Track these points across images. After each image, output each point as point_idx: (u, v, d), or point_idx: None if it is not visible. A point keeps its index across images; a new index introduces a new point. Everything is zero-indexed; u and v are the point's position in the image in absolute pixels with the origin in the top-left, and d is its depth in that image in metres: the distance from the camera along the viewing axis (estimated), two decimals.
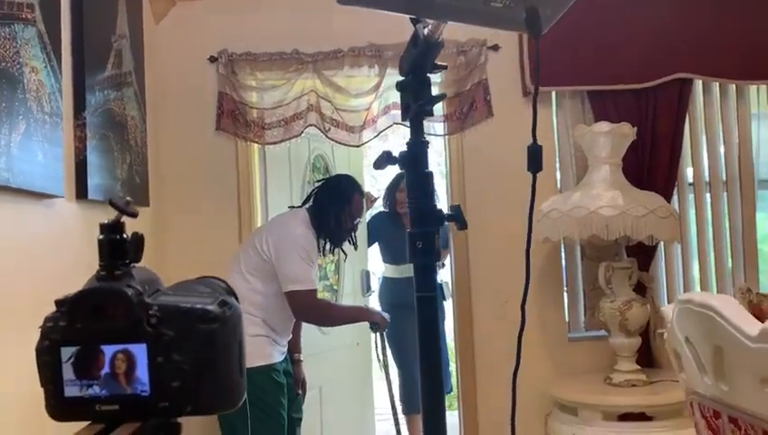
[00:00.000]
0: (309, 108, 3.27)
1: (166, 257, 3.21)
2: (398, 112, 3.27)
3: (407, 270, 4.07)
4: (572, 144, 3.30)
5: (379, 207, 4.47)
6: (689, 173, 3.36)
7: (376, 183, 6.69)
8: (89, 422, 0.56)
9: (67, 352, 0.57)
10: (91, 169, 2.29)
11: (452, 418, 4.33)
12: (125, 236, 0.64)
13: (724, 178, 3.36)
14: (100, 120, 2.41)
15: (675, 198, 3.30)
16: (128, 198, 0.66)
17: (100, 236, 0.63)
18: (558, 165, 3.36)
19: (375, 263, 4.42)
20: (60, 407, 0.56)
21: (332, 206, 2.83)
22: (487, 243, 3.32)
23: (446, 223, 0.88)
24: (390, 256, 4.19)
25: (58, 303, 0.60)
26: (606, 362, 3.17)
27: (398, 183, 4.09)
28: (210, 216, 3.26)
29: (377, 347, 2.95)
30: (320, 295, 3.42)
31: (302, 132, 3.29)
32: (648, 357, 3.15)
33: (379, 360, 2.95)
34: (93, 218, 2.43)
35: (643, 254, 3.15)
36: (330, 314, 2.90)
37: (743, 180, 3.34)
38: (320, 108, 3.27)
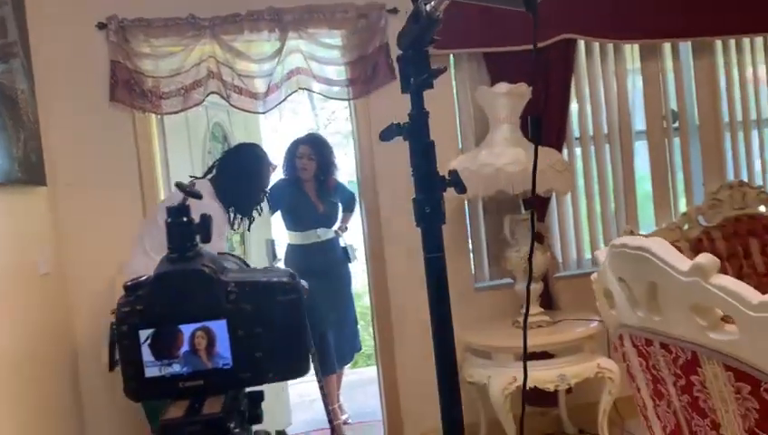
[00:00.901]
0: (209, 75, 3.18)
1: (66, 238, 3.04)
2: (303, 78, 3.29)
3: (311, 236, 4.11)
4: (472, 105, 3.44)
5: (279, 174, 4.43)
6: (576, 128, 3.62)
7: (272, 150, 6.58)
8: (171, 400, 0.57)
9: (145, 335, 0.57)
10: None
11: (369, 373, 4.47)
12: (192, 218, 0.64)
13: (606, 132, 3.65)
14: None
15: (564, 151, 3.55)
16: (192, 181, 0.66)
17: (168, 220, 0.62)
18: (459, 126, 3.50)
19: (278, 230, 4.40)
20: (141, 388, 0.57)
21: (240, 176, 2.79)
22: (397, 202, 3.41)
23: (449, 187, 0.93)
24: (294, 223, 4.17)
25: (129, 287, 0.60)
26: (511, 308, 3.40)
27: (296, 149, 4.06)
28: (111, 191, 3.11)
29: None
30: None
31: (203, 100, 3.20)
32: (547, 300, 3.42)
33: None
34: None
35: (539, 205, 3.38)
36: None
37: (622, 132, 3.65)
38: (221, 74, 3.19)
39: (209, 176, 2.84)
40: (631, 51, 3.71)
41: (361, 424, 4.28)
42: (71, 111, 3.03)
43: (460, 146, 3.50)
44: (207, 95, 3.19)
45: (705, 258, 1.16)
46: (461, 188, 0.93)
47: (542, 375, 2.91)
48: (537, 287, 3.16)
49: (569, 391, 3.39)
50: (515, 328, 3.15)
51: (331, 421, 3.78)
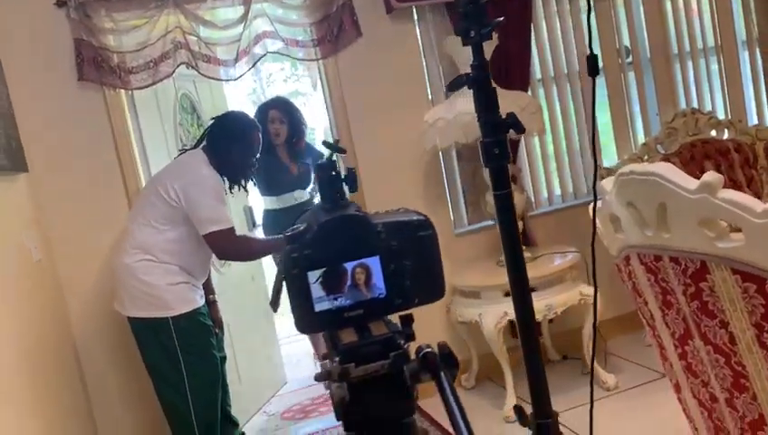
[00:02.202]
0: (176, 46, 3.15)
1: (50, 221, 3.01)
2: (270, 41, 3.29)
3: (289, 199, 4.16)
4: (437, 56, 3.52)
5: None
6: (537, 70, 3.75)
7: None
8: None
9: (314, 275, 0.66)
10: None
11: None
12: (340, 171, 0.72)
13: (566, 72, 3.79)
14: None
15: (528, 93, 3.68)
16: (337, 138, 0.73)
17: (319, 174, 0.70)
18: (427, 78, 3.57)
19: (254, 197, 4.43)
20: (311, 321, 0.66)
21: (231, 144, 2.81)
22: (373, 156, 3.49)
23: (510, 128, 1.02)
24: (269, 188, 4.20)
25: (292, 237, 0.67)
26: (491, 249, 3.56)
27: (266, 114, 4.05)
28: (90, 171, 3.09)
29: None
30: None
31: (173, 72, 3.17)
32: (526, 238, 3.59)
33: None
34: None
35: (510, 148, 3.51)
36: (251, 249, 2.94)
37: (581, 71, 3.79)
38: (188, 44, 3.16)
39: (201, 145, 2.85)
40: None
41: None
42: (40, 93, 2.97)
43: (430, 97, 3.58)
44: (177, 66, 3.16)
45: (710, 176, 1.30)
46: (520, 129, 1.02)
47: None
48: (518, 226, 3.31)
49: (551, 320, 3.60)
50: (500, 266, 3.31)
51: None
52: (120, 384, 3.15)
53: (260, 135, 2.95)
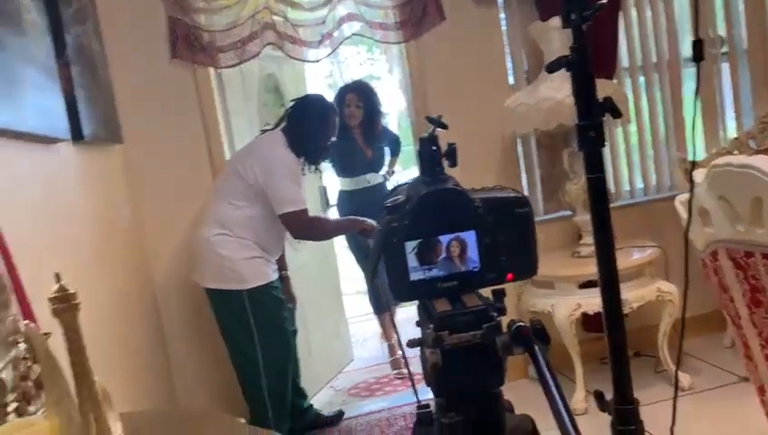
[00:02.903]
0: (264, 26, 3.23)
1: (139, 191, 3.17)
2: (355, 24, 3.33)
3: (362, 181, 4.22)
4: (522, 42, 3.47)
5: None
6: (625, 59, 3.64)
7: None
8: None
9: (410, 246, 0.68)
10: (80, 111, 2.23)
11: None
12: (441, 146, 0.74)
13: (655, 61, 3.67)
14: (77, 58, 2.32)
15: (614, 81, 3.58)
16: (440, 114, 0.75)
17: (420, 149, 0.73)
18: (510, 63, 3.53)
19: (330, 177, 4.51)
20: (406, 289, 0.68)
21: (309, 126, 2.89)
22: (449, 141, 3.49)
23: (603, 115, 1.02)
24: (344, 170, 4.28)
25: (391, 208, 0.70)
26: (567, 240, 3.51)
27: (343, 97, 4.13)
28: (178, 146, 3.22)
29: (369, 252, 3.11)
30: None
31: (260, 52, 3.26)
32: None
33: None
34: (89, 159, 2.38)
35: None
36: (324, 229, 3.02)
37: (671, 60, 3.66)
38: (275, 25, 3.24)
39: (281, 126, 2.94)
40: None
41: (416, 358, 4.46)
42: (135, 69, 3.11)
43: (511, 83, 3.54)
44: (264, 46, 3.24)
45: None
46: (616, 113, 1.01)
47: None
48: None
49: (625, 316, 3.51)
50: (575, 258, 3.25)
51: (393, 353, 3.97)
52: (198, 350, 3.29)
53: (337, 118, 3.01)
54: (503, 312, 0.72)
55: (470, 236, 0.70)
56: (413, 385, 3.19)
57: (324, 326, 4.07)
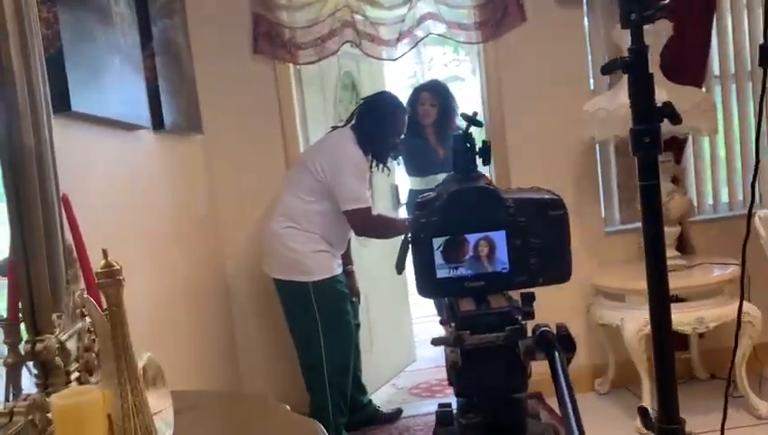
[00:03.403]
0: (344, 24, 3.28)
1: (216, 184, 3.29)
2: (433, 23, 3.32)
3: (432, 181, 4.20)
4: (605, 45, 3.37)
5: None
6: (716, 65, 3.46)
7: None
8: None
9: (437, 242, 0.68)
10: (163, 100, 2.34)
11: None
12: (474, 143, 0.74)
13: (749, 69, 3.47)
14: (162, 49, 2.43)
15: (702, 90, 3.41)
16: (474, 111, 0.75)
17: (455, 146, 0.72)
18: (591, 67, 3.44)
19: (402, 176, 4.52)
20: (432, 286, 0.68)
21: (377, 124, 2.92)
22: (525, 146, 3.43)
23: (658, 122, 0.98)
24: (415, 169, 4.28)
25: (422, 204, 0.70)
26: (642, 252, 3.36)
27: (417, 96, 4.13)
28: (255, 139, 3.32)
29: None
30: None
31: (338, 50, 3.31)
32: (684, 244, 3.36)
33: None
34: (169, 148, 2.50)
35: (676, 148, 3.29)
36: (387, 228, 3.04)
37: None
38: (354, 23, 3.28)
39: (351, 124, 2.98)
40: None
41: None
42: (218, 62, 3.22)
43: (592, 87, 3.44)
44: (342, 44, 3.29)
45: None
46: (676, 120, 0.97)
47: (680, 318, 2.90)
48: (673, 231, 3.11)
49: (701, 335, 3.35)
50: None
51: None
52: (264, 337, 3.38)
53: (406, 117, 3.02)
54: (530, 316, 0.71)
55: (500, 237, 0.68)
56: None
57: (388, 324, 4.08)
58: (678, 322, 2.91)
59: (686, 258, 3.19)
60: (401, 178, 4.52)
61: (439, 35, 3.38)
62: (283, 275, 2.88)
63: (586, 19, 3.41)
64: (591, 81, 3.45)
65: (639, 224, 3.40)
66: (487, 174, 4.41)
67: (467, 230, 0.68)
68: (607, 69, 1.02)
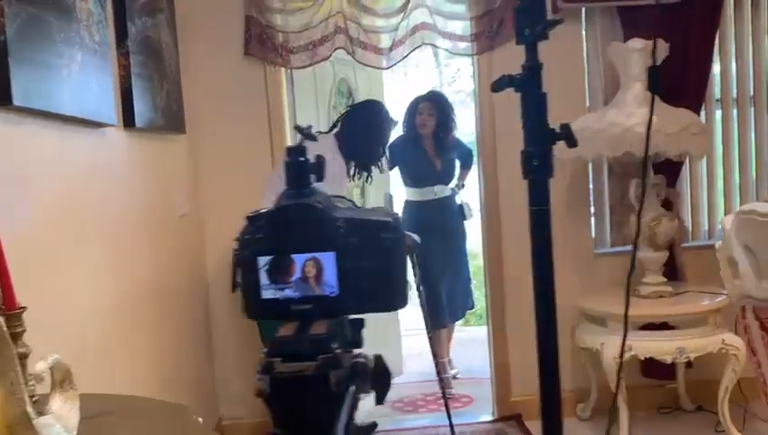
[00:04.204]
0: (336, 30, 3.25)
1: (202, 183, 3.27)
2: (427, 33, 3.28)
3: (428, 193, 4.15)
4: (602, 62, 3.30)
5: (399, 130, 4.48)
6: (717, 89, 3.37)
7: (395, 107, 6.65)
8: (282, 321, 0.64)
9: (263, 261, 0.64)
10: (135, 98, 2.32)
11: (481, 333, 4.54)
12: (308, 158, 0.70)
13: (752, 94, 3.37)
14: (139, 48, 2.41)
15: (702, 113, 3.33)
16: (309, 124, 0.71)
17: (288, 159, 0.68)
18: (587, 84, 3.37)
19: (397, 186, 4.48)
20: (257, 307, 0.64)
21: (360, 132, 2.88)
22: (515, 163, 3.36)
23: (559, 141, 0.93)
24: (412, 180, 4.24)
25: (251, 218, 0.66)
26: (633, 276, 3.28)
27: (416, 106, 4.09)
28: (242, 140, 3.30)
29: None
30: None
31: (330, 56, 3.29)
32: (673, 270, 3.26)
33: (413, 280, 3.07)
34: (140, 146, 2.49)
35: (670, 170, 3.20)
36: None
37: None
38: (347, 30, 3.25)
39: (334, 131, 2.95)
40: None
41: (470, 380, 4.34)
42: (209, 63, 3.22)
43: (587, 104, 3.37)
44: (334, 50, 3.27)
45: None
46: (572, 142, 0.92)
47: (660, 346, 2.82)
48: (660, 256, 3.02)
49: (689, 365, 3.25)
50: (634, 296, 3.04)
51: (438, 372, 3.87)
52: (241, 340, 3.35)
53: (392, 127, 2.98)
54: (357, 344, 0.66)
55: (328, 258, 0.64)
56: (447, 408, 3.09)
57: (374, 335, 4.00)
58: (658, 350, 2.83)
59: (674, 285, 3.10)
60: (399, 188, 4.49)
61: (432, 45, 3.34)
62: None
63: (584, 34, 3.34)
64: (588, 98, 3.38)
65: (630, 247, 3.31)
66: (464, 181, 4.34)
67: (294, 250, 0.63)
68: (497, 86, 0.97)
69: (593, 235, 3.47)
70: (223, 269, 3.32)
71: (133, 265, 2.30)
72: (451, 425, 3.08)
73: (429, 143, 4.10)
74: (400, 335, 4.47)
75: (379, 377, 0.63)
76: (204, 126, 3.23)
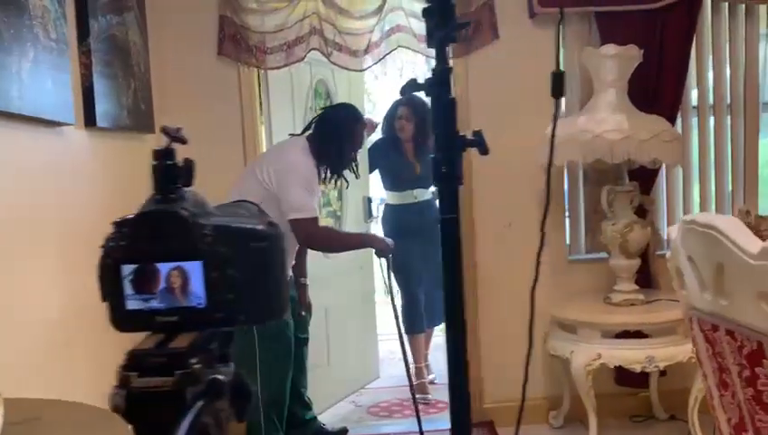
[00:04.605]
0: (311, 31, 3.23)
1: None
2: (402, 36, 3.26)
3: (408, 196, 4.13)
4: (578, 67, 3.28)
5: (379, 133, 4.46)
6: (694, 96, 3.36)
7: (374, 109, 6.64)
8: (149, 332, 0.61)
9: (127, 270, 0.61)
10: (97, 97, 2.30)
11: None
12: (177, 161, 0.67)
13: (729, 102, 3.36)
14: (103, 46, 2.39)
15: (678, 120, 3.31)
16: (178, 127, 0.69)
17: (154, 162, 0.66)
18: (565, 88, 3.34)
19: (376, 189, 4.45)
20: (123, 318, 0.61)
21: (333, 135, 2.85)
22: (490, 167, 3.35)
23: (471, 147, 0.91)
24: (391, 183, 4.22)
25: (117, 224, 0.64)
26: (605, 283, 3.26)
27: (396, 109, 4.08)
28: (214, 142, 3.25)
29: (382, 272, 3.02)
30: (324, 222, 3.48)
31: (305, 56, 3.26)
32: (646, 278, 3.24)
33: (384, 284, 3.04)
34: (102, 145, 2.46)
35: (645, 177, 3.19)
36: (330, 241, 2.96)
37: (747, 103, 3.34)
38: (322, 31, 3.23)
39: (307, 133, 2.92)
40: (767, 13, 3.36)
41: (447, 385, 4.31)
42: (182, 63, 3.19)
43: (564, 110, 3.35)
44: (309, 51, 3.24)
45: None
46: (484, 150, 0.90)
47: (629, 355, 2.79)
48: (633, 263, 3.00)
49: (663, 374, 3.23)
50: (606, 304, 3.02)
51: (409, 378, 3.86)
52: None
53: (363, 129, 2.96)
54: (225, 359, 0.64)
55: (194, 268, 0.61)
56: (417, 415, 3.06)
57: (349, 339, 4.01)
58: (626, 359, 2.81)
59: (647, 293, 3.08)
60: (377, 192, 4.46)
61: (407, 48, 3.31)
62: None
63: (561, 38, 3.32)
64: (564, 103, 3.36)
65: (604, 253, 3.29)
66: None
67: (157, 258, 0.61)
68: (404, 90, 0.94)
69: (568, 241, 3.44)
70: None
71: (91, 268, 2.27)
72: (421, 431, 3.05)
73: (409, 147, 4.08)
74: (377, 339, 4.44)
75: (237, 394, 0.61)
76: (176, 125, 3.19)
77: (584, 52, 3.02)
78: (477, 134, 0.93)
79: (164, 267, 0.62)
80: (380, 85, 7.28)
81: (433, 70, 0.93)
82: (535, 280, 1.03)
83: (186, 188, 0.68)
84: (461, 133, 0.91)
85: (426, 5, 0.90)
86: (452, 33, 0.90)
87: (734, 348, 1.21)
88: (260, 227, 0.63)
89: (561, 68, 3.23)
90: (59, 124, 2.05)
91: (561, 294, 3.33)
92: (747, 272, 1.10)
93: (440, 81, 0.91)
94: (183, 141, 0.67)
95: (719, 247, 1.15)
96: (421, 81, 0.93)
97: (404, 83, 0.94)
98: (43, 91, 1.91)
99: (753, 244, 1.09)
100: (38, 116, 1.89)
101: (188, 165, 0.68)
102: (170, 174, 0.65)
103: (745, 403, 1.24)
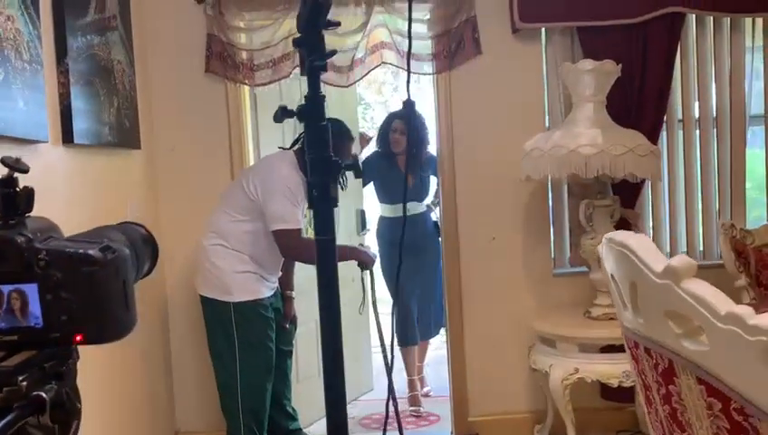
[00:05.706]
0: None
1: (158, 200, 3.31)
2: (387, 52, 3.31)
3: (401, 209, 4.15)
4: (561, 82, 3.29)
5: (374, 146, 4.50)
6: (679, 110, 3.35)
7: (366, 123, 6.68)
8: None
9: None
10: (76, 114, 2.36)
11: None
12: (17, 189, 0.71)
13: (715, 115, 3.34)
14: (84, 65, 2.46)
15: (663, 135, 3.31)
16: (17, 157, 0.73)
17: None
18: (546, 103, 3.36)
19: (370, 202, 4.49)
20: None
21: None
22: (474, 182, 3.38)
23: (347, 172, 0.94)
24: (385, 196, 4.25)
25: None
26: (589, 297, 3.26)
27: (390, 123, 4.12)
28: (201, 158, 3.33)
29: (363, 285, 3.05)
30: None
31: (291, 73, 3.32)
32: None
33: (363, 297, 3.07)
34: (81, 162, 2.52)
35: (628, 191, 3.18)
36: (313, 253, 2.99)
37: (733, 116, 3.32)
38: None
39: (295, 148, 2.97)
40: (752, 26, 3.35)
41: (443, 398, 4.31)
42: (169, 80, 3.26)
43: (547, 124, 3.37)
44: (295, 68, 3.29)
45: (679, 260, 1.07)
46: (358, 173, 0.92)
47: (606, 370, 2.79)
48: None
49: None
50: (586, 318, 3.02)
51: (391, 389, 3.87)
52: (199, 353, 3.37)
53: (351, 144, 2.99)
54: (59, 377, 0.67)
55: (32, 290, 0.66)
56: (399, 426, 3.07)
57: (344, 350, 4.02)
58: (603, 374, 2.81)
59: None
60: (371, 205, 4.49)
61: (391, 64, 3.36)
62: (207, 292, 2.87)
63: (544, 54, 3.34)
64: (547, 117, 3.37)
65: (581, 269, 3.27)
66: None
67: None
68: (276, 118, 0.97)
69: (553, 255, 3.44)
70: (182, 283, 3.35)
71: None
72: None
73: (403, 160, 4.11)
74: (371, 351, 4.46)
75: (60, 410, 0.64)
76: (164, 141, 3.27)
77: (561, 67, 3.03)
78: (353, 158, 0.96)
79: (5, 289, 0.66)
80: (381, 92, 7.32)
81: (305, 96, 0.96)
82: None
83: (30, 216, 0.72)
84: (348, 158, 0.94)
85: (297, 37, 0.93)
86: (322, 63, 0.93)
87: (651, 365, 1.22)
88: (92, 251, 0.67)
89: (531, 79, 3.25)
90: (32, 142, 2.11)
91: (545, 307, 3.33)
92: (654, 290, 1.12)
93: (313, 108, 0.94)
94: (24, 171, 0.71)
95: (631, 266, 1.17)
96: (292, 107, 0.96)
97: (276, 110, 0.97)
98: (14, 111, 1.98)
99: (659, 262, 1.11)
100: (7, 135, 1.95)
101: (28, 193, 0.72)
102: (10, 202, 0.69)
103: (664, 420, 1.24)
